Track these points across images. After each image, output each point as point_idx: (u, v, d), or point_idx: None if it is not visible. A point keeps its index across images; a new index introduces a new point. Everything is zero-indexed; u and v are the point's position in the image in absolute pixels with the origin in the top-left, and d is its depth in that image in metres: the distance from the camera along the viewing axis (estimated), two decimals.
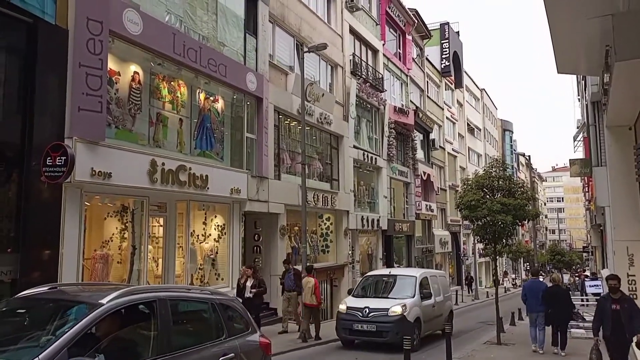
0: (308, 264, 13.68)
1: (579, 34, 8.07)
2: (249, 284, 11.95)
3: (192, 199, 12.03)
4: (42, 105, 8.42)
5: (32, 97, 8.29)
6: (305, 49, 14.24)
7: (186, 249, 12.02)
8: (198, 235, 13.07)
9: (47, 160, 8.17)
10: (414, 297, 11.68)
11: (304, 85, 14.12)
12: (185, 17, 11.83)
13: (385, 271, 13.77)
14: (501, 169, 12.95)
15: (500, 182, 12.85)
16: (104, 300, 3.88)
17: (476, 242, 16.76)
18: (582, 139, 22.13)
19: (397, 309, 11.01)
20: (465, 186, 13.24)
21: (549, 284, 11.23)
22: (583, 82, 20.96)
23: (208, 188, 11.95)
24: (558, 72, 9.69)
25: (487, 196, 12.71)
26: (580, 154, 23.62)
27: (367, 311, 11.26)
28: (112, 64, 10.13)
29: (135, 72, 10.75)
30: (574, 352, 10.87)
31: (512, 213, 12.10)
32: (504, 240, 12.82)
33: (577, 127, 29.24)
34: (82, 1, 9.03)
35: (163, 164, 10.60)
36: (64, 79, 8.80)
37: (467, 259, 39.18)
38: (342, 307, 11.82)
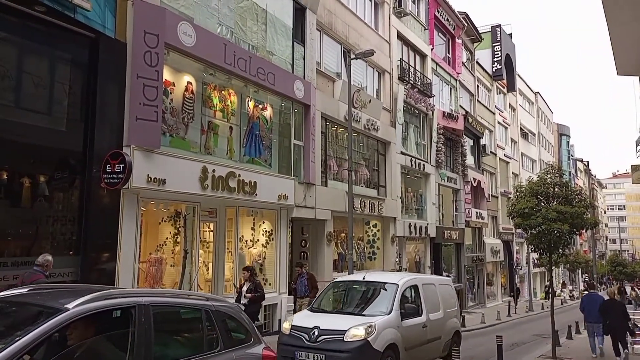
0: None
1: (638, 34, 7.68)
2: (244, 288, 10.10)
3: (241, 205, 12.30)
4: (103, 115, 8.89)
5: (94, 107, 8.77)
6: (352, 56, 14.25)
7: (235, 253, 12.28)
8: (247, 241, 13.33)
9: (107, 168, 8.61)
10: (389, 313, 8.20)
11: (351, 91, 14.15)
12: (236, 28, 12.17)
13: (358, 276, 10.03)
14: (557, 175, 12.43)
15: (556, 189, 12.35)
16: (70, 305, 3.48)
17: (530, 251, 16.05)
18: None
19: (357, 332, 7.63)
20: (518, 193, 12.80)
21: (606, 297, 12.06)
22: None
23: (256, 194, 12.18)
24: (618, 74, 9.26)
25: (542, 204, 12.24)
26: None
27: (317, 334, 7.75)
28: (167, 75, 10.55)
29: (188, 82, 11.15)
30: None
31: (569, 221, 11.59)
32: (560, 250, 12.27)
33: (639, 131, 27.71)
34: (140, 15, 9.49)
35: (214, 170, 10.91)
36: (123, 89, 9.26)
37: (521, 269, 37.80)
38: (286, 325, 8.35)
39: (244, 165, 12.23)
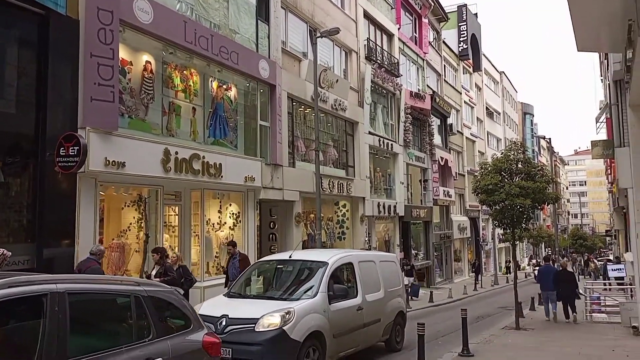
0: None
1: (599, 8, 7.77)
2: (153, 272, 8.96)
3: (207, 188, 12.08)
4: (55, 97, 8.48)
5: (45, 88, 8.36)
6: (318, 34, 14.03)
7: (202, 237, 12.08)
8: (214, 224, 13.15)
9: (61, 151, 8.26)
10: (314, 296, 7.26)
11: (317, 70, 13.96)
12: (196, 5, 11.77)
13: (285, 255, 8.95)
14: (520, 151, 12.65)
15: (519, 166, 12.59)
16: None
17: (495, 226, 16.42)
18: (604, 120, 21.55)
19: (271, 320, 6.61)
20: (482, 170, 13.00)
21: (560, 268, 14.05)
22: (605, 61, 20.35)
23: (222, 176, 11.96)
24: (578, 50, 9.37)
25: (506, 180, 12.47)
26: (603, 136, 23.00)
27: (224, 323, 6.72)
28: (123, 54, 10.15)
29: (147, 62, 10.76)
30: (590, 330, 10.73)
31: (531, 196, 11.86)
32: (523, 225, 12.57)
33: (600, 109, 28.52)
34: None
35: (176, 152, 10.62)
36: (76, 69, 8.85)
37: (487, 245, 38.80)
38: None
39: (208, 147, 11.97)
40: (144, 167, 9.85)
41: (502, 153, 13.04)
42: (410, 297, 17.70)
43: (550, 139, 33.33)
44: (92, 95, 8.92)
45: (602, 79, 28.09)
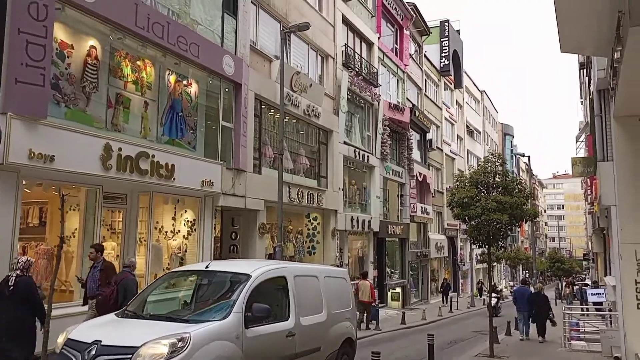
0: (364, 271, 18.36)
1: (585, 3, 7.01)
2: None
3: (156, 191, 10.93)
4: None
5: None
6: (286, 29, 13.12)
7: (149, 245, 10.91)
8: (167, 232, 12.01)
9: None
10: (225, 317, 5.66)
11: (284, 69, 13.02)
12: None
13: (201, 265, 7.37)
14: (498, 163, 11.83)
15: (496, 179, 11.76)
16: None
17: (471, 244, 15.58)
18: (584, 139, 21.07)
19: (155, 350, 4.99)
20: (458, 183, 12.13)
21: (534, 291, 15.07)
22: (587, 78, 19.89)
23: (174, 179, 10.85)
24: (562, 51, 8.61)
25: (482, 194, 11.62)
26: (583, 155, 22.51)
27: (94, 352, 5.05)
28: (64, 36, 9.10)
29: (92, 47, 9.67)
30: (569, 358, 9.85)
31: (509, 212, 11.01)
32: (500, 242, 11.69)
33: (579, 129, 28.23)
34: None
35: (120, 149, 9.50)
36: (1, 47, 7.74)
37: (464, 265, 38.04)
38: (59, 340, 5.56)
39: (159, 146, 10.86)
40: (78, 163, 8.70)
41: (479, 165, 12.20)
42: (369, 320, 16.17)
43: (529, 157, 32.75)
44: (17, 76, 7.81)
45: (582, 101, 27.86)
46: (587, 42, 8.54)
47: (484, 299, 31.36)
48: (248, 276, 6.21)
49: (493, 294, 17.85)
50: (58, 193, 9.08)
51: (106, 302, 7.42)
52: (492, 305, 15.58)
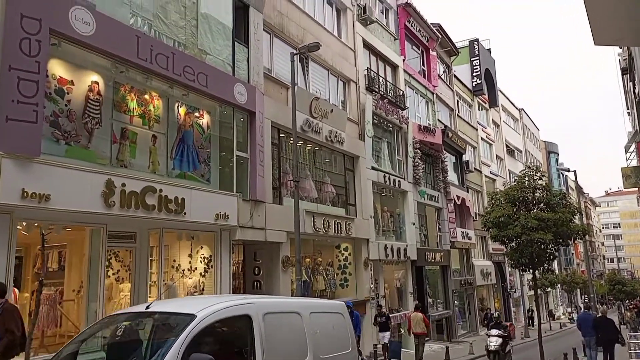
0: (417, 302, 18.01)
1: None
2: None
3: (166, 227, 10.38)
4: None
5: None
6: (295, 51, 12.62)
7: (159, 285, 10.28)
8: (184, 270, 11.42)
9: None
10: None
11: (294, 91, 12.51)
12: (155, 21, 10.51)
13: (141, 307, 5.70)
14: (536, 177, 10.67)
15: (536, 194, 10.59)
16: None
17: (511, 268, 14.15)
18: (635, 149, 19.36)
19: None
20: (493, 200, 11.00)
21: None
22: (631, 83, 18.50)
23: (185, 213, 10.28)
24: (595, 44, 7.62)
25: (521, 211, 10.45)
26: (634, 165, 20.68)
27: None
28: (63, 72, 8.86)
29: (94, 82, 9.41)
30: None
31: (553, 230, 9.79)
32: (545, 265, 10.40)
33: (628, 140, 26.25)
34: None
35: (123, 184, 9.04)
36: None
37: (515, 292, 35.65)
38: None
39: (167, 180, 10.36)
40: (77, 202, 8.25)
41: (516, 180, 11.05)
42: (389, 358, 14.98)
43: (575, 171, 30.63)
44: (8, 114, 7.51)
45: (628, 112, 26.02)
46: (624, 32, 7.51)
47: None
48: (192, 317, 4.81)
49: (493, 333, 14.41)
50: (46, 233, 8.71)
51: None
52: (492, 349, 13.29)
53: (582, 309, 21.73)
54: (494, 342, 13.89)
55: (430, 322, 17.77)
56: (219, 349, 4.90)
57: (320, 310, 6.74)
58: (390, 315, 16.73)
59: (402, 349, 15.84)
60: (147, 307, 5.37)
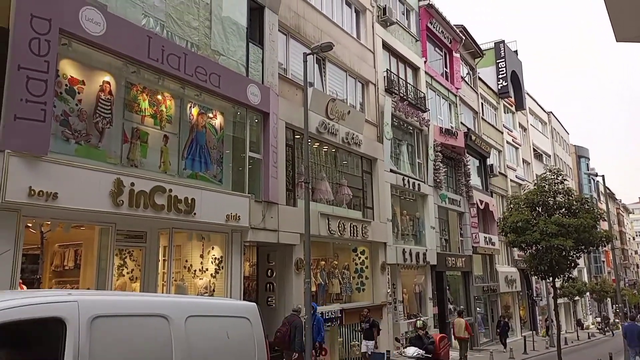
0: (459, 308, 19.70)
1: None
2: None
3: (176, 227, 10.35)
4: None
5: None
6: (308, 51, 12.46)
7: (168, 285, 10.26)
8: (195, 271, 11.39)
9: None
10: None
11: (307, 90, 12.32)
12: (168, 21, 10.53)
13: None
14: (557, 181, 10.23)
15: (557, 198, 10.14)
16: None
17: (530, 275, 13.59)
18: None
19: None
20: (511, 205, 10.60)
21: None
22: None
23: (195, 214, 10.23)
24: (617, 40, 7.19)
25: (541, 216, 10.02)
26: None
27: None
28: (74, 72, 8.92)
29: (106, 82, 9.45)
30: None
31: (574, 236, 9.35)
32: (566, 273, 9.94)
33: None
34: None
35: (132, 184, 9.04)
36: (1, 84, 7.57)
37: (541, 300, 34.57)
38: None
39: (177, 180, 10.33)
40: (85, 200, 8.27)
41: (535, 184, 10.62)
42: None
43: (603, 176, 29.46)
44: (16, 113, 7.58)
45: None
46: None
47: (565, 338, 28.00)
48: None
49: (410, 353, 10.58)
50: (53, 231, 8.78)
51: (283, 340, 10.89)
52: None
53: (627, 320, 21.37)
54: None
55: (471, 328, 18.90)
56: None
57: (207, 313, 5.01)
58: (376, 322, 14.93)
59: None
60: None
